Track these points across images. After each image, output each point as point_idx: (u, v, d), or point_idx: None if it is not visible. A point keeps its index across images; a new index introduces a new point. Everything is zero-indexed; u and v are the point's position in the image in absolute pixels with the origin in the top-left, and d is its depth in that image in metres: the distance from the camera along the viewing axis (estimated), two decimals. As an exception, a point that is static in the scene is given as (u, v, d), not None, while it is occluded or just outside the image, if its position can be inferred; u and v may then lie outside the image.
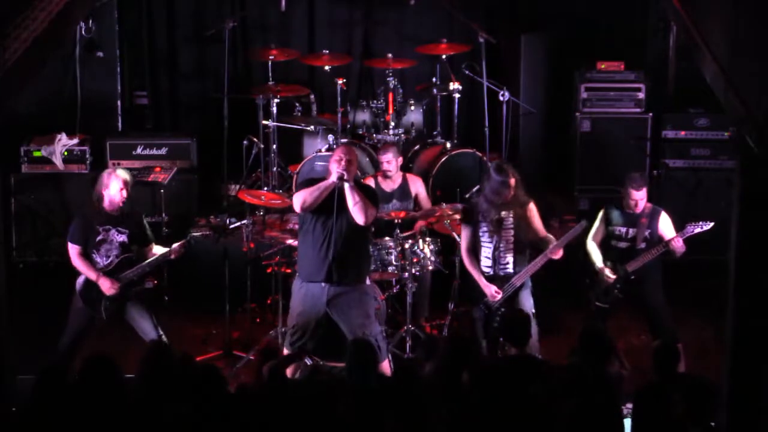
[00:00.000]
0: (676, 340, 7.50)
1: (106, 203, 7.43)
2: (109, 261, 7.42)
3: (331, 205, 7.04)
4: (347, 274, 7.14)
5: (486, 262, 7.48)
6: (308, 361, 7.52)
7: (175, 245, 7.54)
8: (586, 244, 7.75)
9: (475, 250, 7.53)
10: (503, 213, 7.41)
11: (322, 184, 7.07)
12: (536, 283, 7.64)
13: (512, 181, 7.37)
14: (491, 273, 7.47)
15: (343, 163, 7.03)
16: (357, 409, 5.51)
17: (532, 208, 7.52)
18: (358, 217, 7.02)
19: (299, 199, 7.12)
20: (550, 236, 7.51)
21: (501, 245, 7.43)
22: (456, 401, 5.56)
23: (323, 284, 7.14)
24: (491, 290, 7.40)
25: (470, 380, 5.78)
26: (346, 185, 7.01)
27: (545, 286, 7.93)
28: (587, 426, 5.34)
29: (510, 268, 7.46)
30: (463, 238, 7.60)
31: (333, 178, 7.02)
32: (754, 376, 5.81)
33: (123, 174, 7.51)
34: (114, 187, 7.42)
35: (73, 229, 7.47)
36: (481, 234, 7.48)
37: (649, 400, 5.56)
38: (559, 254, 7.37)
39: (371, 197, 7.21)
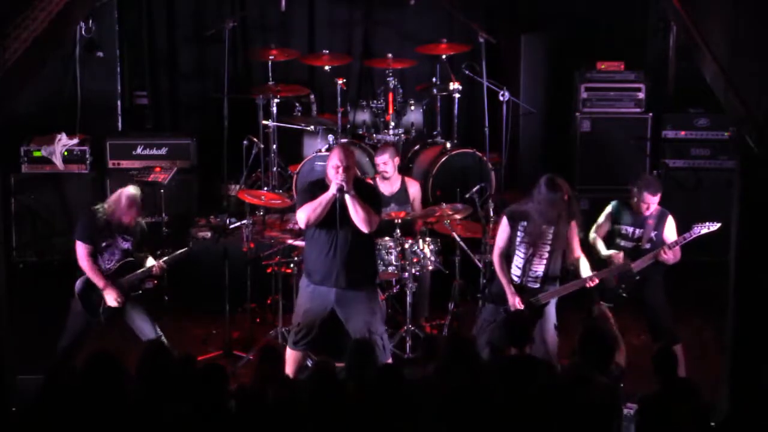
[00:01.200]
0: (676, 340, 7.51)
1: (116, 218, 7.43)
2: (111, 265, 7.43)
3: (334, 214, 6.99)
4: (355, 279, 7.12)
5: (516, 271, 7.38)
6: (309, 362, 7.52)
7: (157, 264, 7.52)
8: (588, 238, 7.72)
9: (507, 255, 7.43)
10: (545, 227, 7.28)
11: (323, 199, 6.99)
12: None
13: (566, 197, 7.24)
14: (518, 282, 7.37)
15: (341, 171, 6.94)
16: (357, 409, 5.51)
17: (574, 227, 7.37)
18: (362, 227, 6.99)
19: (302, 217, 7.05)
20: (584, 259, 7.40)
21: (535, 258, 7.33)
22: (456, 401, 5.55)
23: (331, 288, 7.14)
24: (515, 300, 7.33)
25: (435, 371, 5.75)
26: (347, 196, 6.95)
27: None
28: (586, 426, 5.35)
29: (538, 283, 7.35)
30: (499, 240, 7.45)
31: (332, 190, 6.95)
32: (754, 376, 5.81)
33: (138, 197, 7.50)
34: (131, 212, 7.42)
35: (82, 228, 7.45)
36: (517, 242, 7.35)
37: (653, 409, 5.56)
38: (594, 283, 7.33)
39: (373, 201, 7.15)
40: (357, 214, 6.96)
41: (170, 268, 7.68)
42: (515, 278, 7.39)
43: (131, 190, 7.52)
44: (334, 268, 7.08)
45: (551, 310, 7.38)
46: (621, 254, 7.53)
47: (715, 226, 7.38)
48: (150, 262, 7.55)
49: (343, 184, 6.92)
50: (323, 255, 7.10)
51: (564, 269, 7.44)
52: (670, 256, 7.45)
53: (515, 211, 7.46)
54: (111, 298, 7.36)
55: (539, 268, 7.34)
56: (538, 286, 7.35)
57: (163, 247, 8.14)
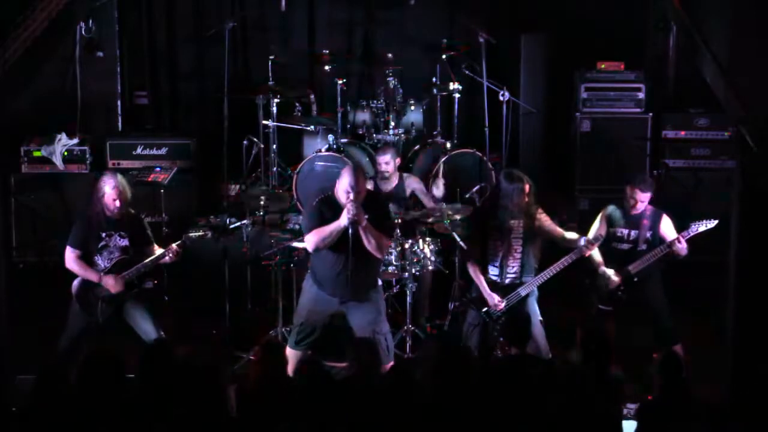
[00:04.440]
0: (676, 339, 7.52)
1: (105, 210, 7.43)
2: (110, 263, 7.43)
3: (345, 239, 6.90)
4: (361, 292, 7.11)
5: (493, 270, 7.45)
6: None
7: (171, 248, 7.48)
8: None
9: (481, 258, 7.47)
10: (513, 222, 7.36)
11: (333, 230, 6.87)
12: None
13: (526, 186, 7.33)
14: (497, 281, 7.45)
15: (352, 200, 6.80)
16: (358, 410, 5.51)
17: (542, 217, 7.46)
18: (375, 253, 6.97)
19: (311, 242, 6.98)
20: (574, 235, 7.46)
21: (510, 255, 7.40)
22: (450, 400, 5.54)
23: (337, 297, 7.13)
24: (494, 299, 7.39)
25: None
26: (360, 228, 6.87)
27: (546, 285, 7.93)
28: (585, 427, 5.35)
29: (516, 278, 7.44)
30: (471, 245, 7.55)
31: (344, 221, 6.82)
32: (754, 376, 5.82)
33: (113, 178, 7.46)
34: (107, 194, 7.41)
35: (73, 233, 7.46)
36: (491, 243, 7.43)
37: (656, 414, 5.55)
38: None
39: (385, 224, 7.08)
40: (369, 244, 6.92)
41: (186, 249, 7.61)
42: (494, 277, 7.45)
43: (107, 175, 7.51)
44: (341, 285, 7.05)
45: (534, 306, 7.42)
46: (615, 279, 7.54)
47: (712, 224, 7.39)
48: (159, 250, 7.53)
49: (356, 217, 6.81)
50: (331, 271, 7.05)
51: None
52: (683, 245, 7.43)
53: (482, 212, 7.61)
54: (110, 285, 7.33)
55: (516, 263, 7.41)
56: (517, 281, 7.43)
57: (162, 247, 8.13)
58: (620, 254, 7.63)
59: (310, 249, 7.06)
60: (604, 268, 7.58)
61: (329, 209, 6.97)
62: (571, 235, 7.47)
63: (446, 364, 5.70)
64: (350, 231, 6.85)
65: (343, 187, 6.90)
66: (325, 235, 6.91)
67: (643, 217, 7.61)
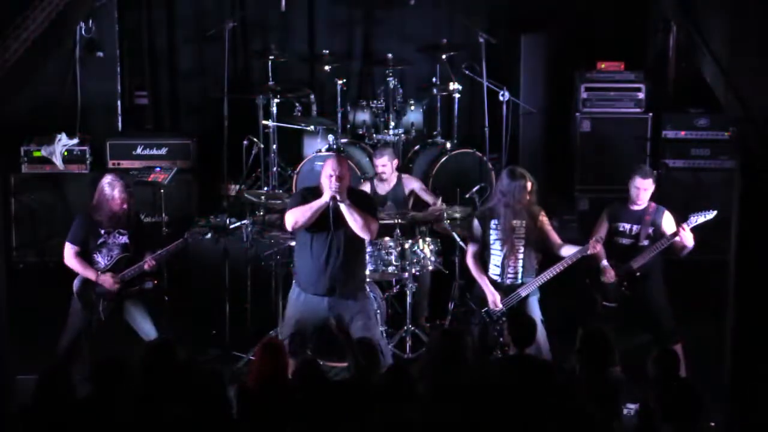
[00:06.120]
0: (676, 339, 7.52)
1: (107, 211, 7.43)
2: (110, 261, 7.44)
3: (327, 221, 6.94)
4: (347, 286, 7.10)
5: (494, 270, 7.45)
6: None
7: (170, 247, 7.50)
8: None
9: (482, 257, 7.50)
10: (515, 222, 7.36)
11: (315, 205, 6.91)
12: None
13: (529, 184, 7.33)
14: (498, 281, 7.44)
15: (334, 180, 6.85)
16: (360, 410, 5.51)
17: (543, 220, 7.47)
18: (363, 234, 6.95)
19: (291, 219, 6.99)
20: (569, 249, 7.43)
21: (511, 254, 7.39)
22: (449, 399, 5.54)
23: (324, 297, 7.12)
24: (495, 298, 7.38)
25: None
26: (343, 205, 6.89)
27: (546, 285, 7.93)
28: (584, 428, 5.35)
29: (517, 278, 7.43)
30: (472, 244, 7.56)
31: (325, 198, 6.88)
32: (754, 376, 5.82)
33: (118, 181, 7.48)
34: (115, 197, 7.41)
35: (73, 229, 7.48)
36: (492, 241, 7.44)
37: (654, 412, 5.55)
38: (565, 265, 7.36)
39: (370, 208, 7.10)
40: (356, 222, 6.91)
41: (161, 262, 7.61)
42: (495, 277, 7.45)
43: (108, 176, 7.56)
44: (327, 277, 7.04)
45: (535, 307, 7.41)
46: (613, 277, 7.54)
47: (711, 214, 7.42)
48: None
49: (336, 194, 6.84)
50: (316, 263, 7.05)
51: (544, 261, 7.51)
52: (686, 235, 7.42)
53: (484, 210, 7.60)
54: (108, 284, 7.36)
55: (517, 263, 7.41)
56: (517, 281, 7.42)
57: (163, 247, 8.13)
58: (622, 249, 7.64)
59: (288, 226, 7.06)
60: (605, 262, 7.57)
61: (314, 197, 6.98)
62: (566, 249, 7.44)
63: (444, 349, 5.73)
64: (331, 206, 6.88)
65: (325, 173, 6.92)
66: (305, 209, 6.91)
67: (645, 213, 7.63)
